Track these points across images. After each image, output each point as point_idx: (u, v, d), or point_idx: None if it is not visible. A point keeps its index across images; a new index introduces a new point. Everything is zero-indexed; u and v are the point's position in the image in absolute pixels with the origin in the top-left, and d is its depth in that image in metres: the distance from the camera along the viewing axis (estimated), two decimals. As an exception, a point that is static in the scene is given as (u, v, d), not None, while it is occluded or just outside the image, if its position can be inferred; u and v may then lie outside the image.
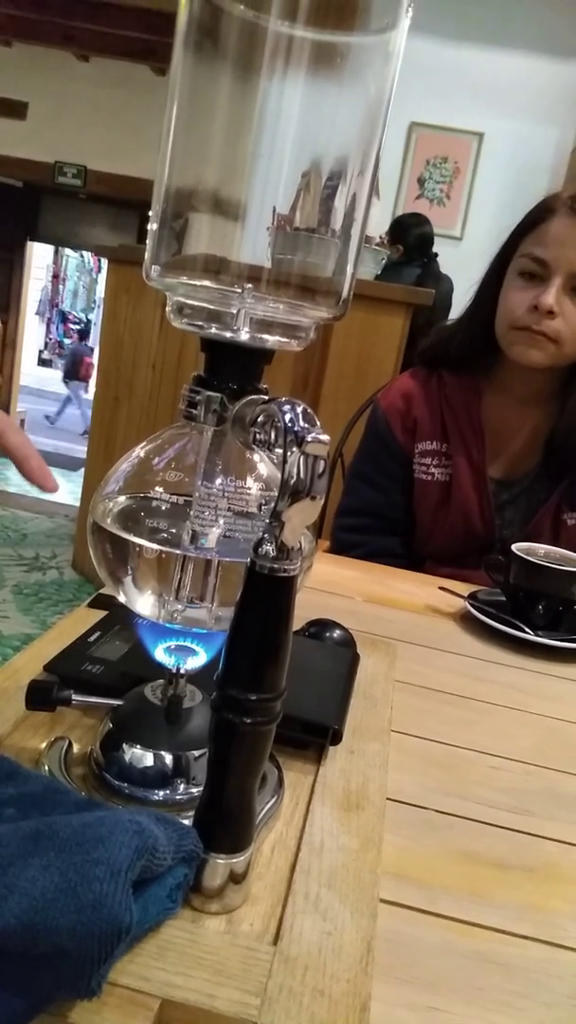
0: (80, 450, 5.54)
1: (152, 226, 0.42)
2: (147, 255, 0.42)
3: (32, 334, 9.35)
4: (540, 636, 0.83)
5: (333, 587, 0.93)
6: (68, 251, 9.99)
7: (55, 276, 10.24)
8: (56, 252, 9.98)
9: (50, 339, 10.26)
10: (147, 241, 0.42)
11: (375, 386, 1.41)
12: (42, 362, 10.23)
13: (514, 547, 0.89)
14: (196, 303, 0.41)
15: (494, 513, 1.18)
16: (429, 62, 3.69)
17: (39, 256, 8.56)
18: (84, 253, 10.02)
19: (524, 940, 0.44)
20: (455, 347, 1.22)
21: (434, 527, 1.23)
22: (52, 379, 9.18)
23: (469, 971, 0.41)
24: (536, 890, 0.48)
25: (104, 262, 3.89)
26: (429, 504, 1.22)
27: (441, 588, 0.95)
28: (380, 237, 2.44)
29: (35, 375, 9.18)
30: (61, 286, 10.31)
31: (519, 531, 1.18)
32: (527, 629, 0.84)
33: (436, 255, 3.22)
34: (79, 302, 10.40)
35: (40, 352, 10.31)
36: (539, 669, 0.80)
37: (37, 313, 9.98)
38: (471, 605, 0.89)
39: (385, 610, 0.90)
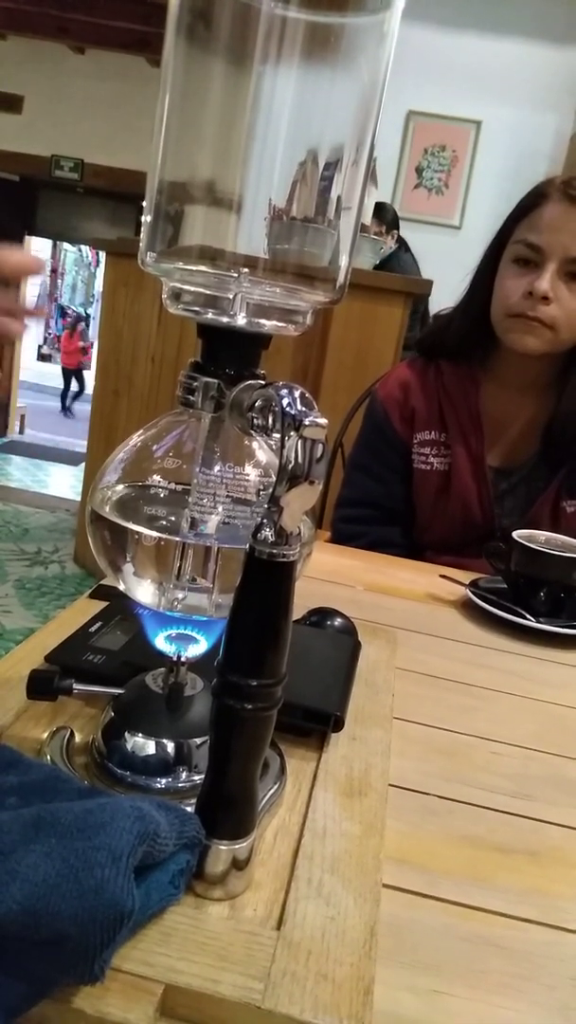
0: (81, 444, 5.54)
1: (146, 218, 0.41)
2: (142, 242, 0.42)
3: (31, 329, 9.35)
4: (541, 623, 0.83)
5: (334, 576, 0.93)
6: (66, 245, 9.98)
7: (53, 271, 10.22)
8: (54, 247, 9.96)
9: (49, 334, 10.25)
10: (142, 229, 0.42)
11: (374, 376, 1.40)
12: (41, 357, 10.22)
13: (515, 534, 0.89)
14: (192, 288, 0.41)
15: (493, 502, 1.18)
16: (426, 50, 3.67)
17: (37, 251, 8.55)
18: (82, 247, 10.01)
19: (526, 923, 0.44)
20: (451, 336, 1.22)
21: (433, 517, 1.22)
22: (52, 374, 9.17)
23: (472, 954, 0.41)
24: (538, 874, 0.48)
25: (102, 256, 3.88)
26: (428, 494, 1.22)
27: (442, 576, 0.95)
28: (378, 226, 2.43)
29: (35, 370, 9.18)
30: (60, 280, 10.30)
31: (518, 520, 1.18)
32: (528, 616, 0.84)
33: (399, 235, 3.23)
34: (77, 296, 10.40)
35: (39, 347, 10.30)
36: (540, 656, 0.80)
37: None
38: (472, 592, 0.89)
39: (386, 598, 0.90)
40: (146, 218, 0.42)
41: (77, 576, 3.36)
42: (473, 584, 0.91)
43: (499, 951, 0.42)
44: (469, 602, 0.90)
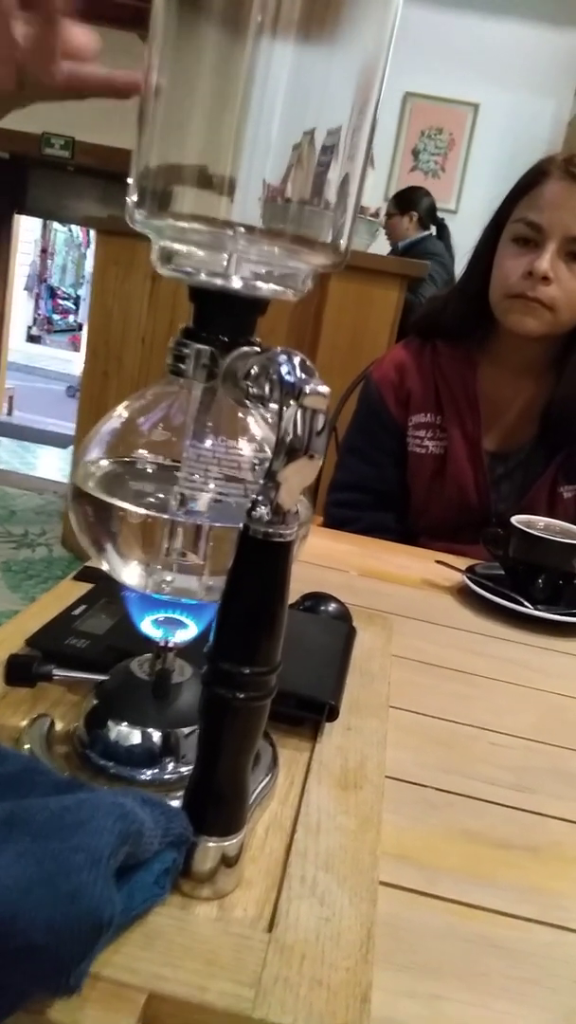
0: (70, 427, 5.49)
1: (131, 198, 0.39)
2: (130, 198, 0.39)
3: (20, 310, 9.22)
4: (540, 610, 0.81)
5: (328, 561, 0.90)
6: (57, 225, 9.83)
7: (43, 251, 10.09)
8: (44, 226, 9.82)
9: (39, 315, 10.13)
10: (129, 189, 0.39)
11: (369, 359, 1.38)
12: (31, 338, 10.10)
13: (513, 519, 0.87)
14: (185, 248, 0.38)
15: (489, 487, 1.16)
16: (423, 31, 3.61)
17: (27, 231, 8.42)
18: (73, 227, 9.87)
19: (528, 923, 0.42)
20: (449, 317, 1.19)
21: (428, 501, 1.20)
22: (42, 355, 9.07)
23: (472, 956, 0.39)
24: (540, 871, 0.46)
25: (93, 237, 3.81)
26: (423, 478, 1.19)
27: (438, 562, 0.93)
28: (376, 209, 2.40)
29: (24, 351, 9.06)
30: (50, 261, 10.16)
31: (514, 505, 1.15)
32: (526, 603, 0.82)
33: (443, 220, 3.21)
34: (68, 277, 10.27)
35: (29, 328, 10.18)
36: (539, 644, 0.78)
37: (25, 288, 9.84)
38: (469, 579, 0.86)
39: (381, 584, 0.88)
40: (131, 198, 0.39)
41: (65, 559, 3.32)
42: (470, 570, 0.89)
43: (501, 952, 0.40)
44: (466, 588, 0.87)
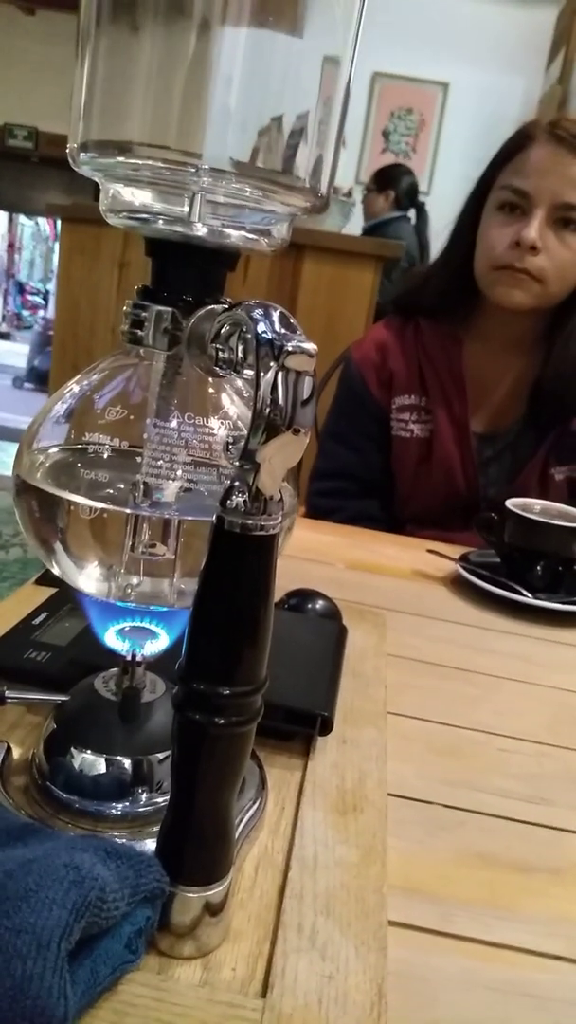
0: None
1: (73, 143, 0.33)
2: (72, 135, 0.33)
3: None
4: (540, 599, 0.76)
5: (313, 554, 0.84)
6: (23, 219, 9.64)
7: (11, 245, 9.89)
8: (11, 220, 9.63)
9: (7, 311, 9.94)
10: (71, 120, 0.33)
11: (345, 344, 1.32)
12: (0, 335, 9.91)
13: (508, 503, 0.82)
14: (139, 190, 0.32)
15: (478, 470, 1.11)
16: (392, 9, 3.54)
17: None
18: (39, 221, 9.69)
19: (558, 962, 0.37)
20: (431, 292, 1.13)
21: (414, 487, 1.15)
22: (11, 352, 8.89)
23: (498, 1007, 0.34)
24: (565, 895, 0.41)
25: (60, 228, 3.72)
26: (408, 463, 1.14)
27: (429, 551, 0.88)
28: (348, 188, 2.33)
29: (-7, 349, 8.87)
30: (17, 256, 9.97)
31: (504, 488, 1.10)
32: (525, 592, 0.77)
33: (424, 204, 3.13)
34: (36, 272, 10.08)
35: (-2, 325, 9.99)
36: (542, 635, 0.73)
37: (-8, 284, 9.66)
38: (463, 568, 0.81)
39: (370, 577, 0.82)
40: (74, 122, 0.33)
41: (39, 561, 3.24)
42: (463, 559, 0.83)
43: (530, 1001, 0.34)
44: (460, 578, 0.82)
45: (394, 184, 3.10)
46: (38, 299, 9.91)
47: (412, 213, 3.14)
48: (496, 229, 1.01)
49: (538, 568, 0.79)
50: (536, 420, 1.10)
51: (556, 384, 1.06)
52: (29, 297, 9.91)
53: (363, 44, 0.33)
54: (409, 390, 1.13)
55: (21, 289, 9.94)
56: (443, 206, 1.38)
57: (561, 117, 1.00)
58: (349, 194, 2.31)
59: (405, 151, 3.84)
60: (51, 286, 9.79)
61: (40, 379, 6.29)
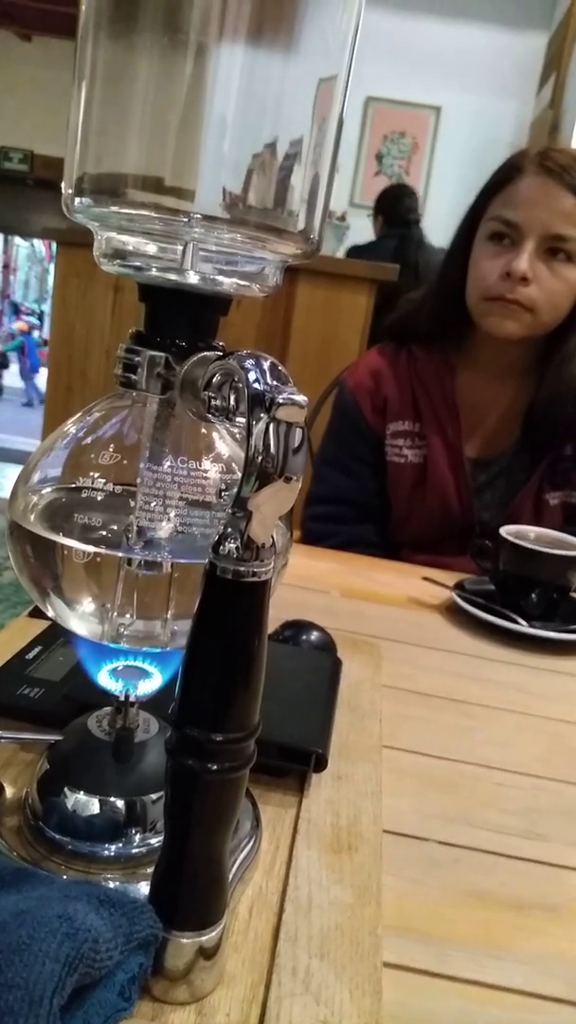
0: (36, 444, 5.38)
1: (68, 189, 0.33)
2: (66, 181, 0.33)
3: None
4: (535, 627, 0.76)
5: (308, 581, 0.84)
6: (19, 240, 9.70)
7: (5, 266, 9.94)
8: (6, 241, 9.68)
9: (2, 331, 9.97)
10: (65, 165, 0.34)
11: (340, 368, 1.32)
12: (-5, 356, 9.93)
13: (502, 531, 0.82)
14: (133, 238, 0.33)
15: (472, 495, 1.11)
16: (385, 34, 3.59)
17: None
18: (35, 242, 9.75)
19: (557, 1004, 0.37)
20: (424, 320, 1.14)
21: (409, 512, 1.15)
22: (6, 373, 8.91)
23: (495, 1052, 0.34)
24: (561, 934, 0.41)
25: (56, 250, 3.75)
26: (403, 488, 1.14)
27: (425, 578, 0.88)
28: (342, 212, 2.36)
29: (-12, 369, 8.88)
30: (12, 277, 10.02)
31: (498, 513, 1.11)
32: (520, 620, 0.77)
33: (417, 221, 3.11)
34: (31, 293, 10.13)
35: (-8, 346, 10.01)
36: (537, 664, 0.73)
37: (-12, 305, 9.69)
38: (458, 596, 0.81)
39: (365, 605, 0.82)
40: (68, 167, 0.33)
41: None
42: (458, 586, 0.83)
43: (527, 1045, 0.34)
44: (454, 606, 0.82)
45: (381, 206, 3.09)
46: (33, 319, 9.95)
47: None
48: (487, 260, 1.02)
49: (533, 596, 0.80)
50: (530, 445, 1.11)
51: (549, 410, 1.07)
52: (24, 318, 9.95)
53: (356, 68, 0.34)
54: (403, 416, 1.13)
55: (16, 310, 9.98)
56: (437, 227, 1.39)
57: (549, 148, 1.02)
58: (343, 217, 2.33)
59: (398, 174, 3.88)
60: (46, 307, 9.83)
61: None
